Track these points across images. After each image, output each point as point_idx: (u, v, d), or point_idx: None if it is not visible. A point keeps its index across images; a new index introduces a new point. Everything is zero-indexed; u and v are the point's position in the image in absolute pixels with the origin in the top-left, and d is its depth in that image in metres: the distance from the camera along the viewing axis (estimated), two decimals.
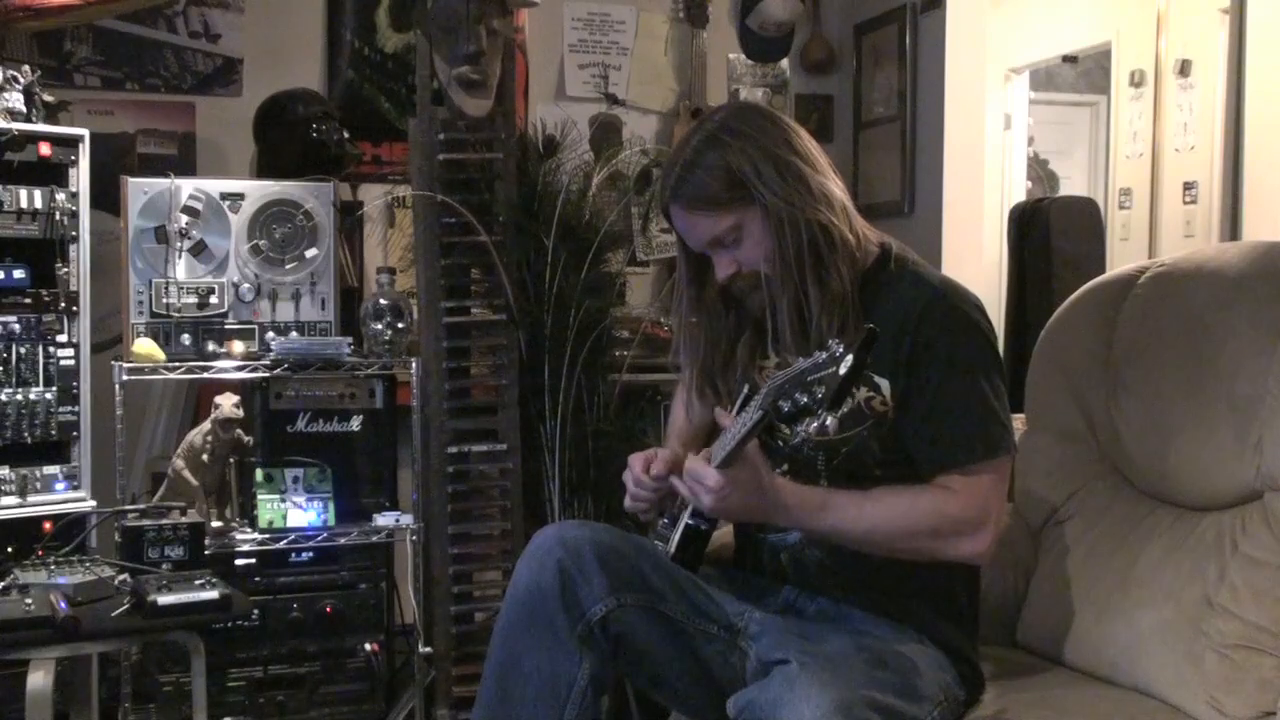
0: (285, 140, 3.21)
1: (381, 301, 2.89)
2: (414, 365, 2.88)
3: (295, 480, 2.82)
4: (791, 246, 1.64)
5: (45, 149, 2.59)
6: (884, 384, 1.64)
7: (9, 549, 2.42)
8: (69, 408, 2.62)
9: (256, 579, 2.78)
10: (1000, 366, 1.70)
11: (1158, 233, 4.59)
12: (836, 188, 1.70)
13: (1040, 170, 5.57)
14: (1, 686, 2.45)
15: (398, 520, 2.88)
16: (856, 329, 1.59)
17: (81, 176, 2.64)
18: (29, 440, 2.58)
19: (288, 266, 2.93)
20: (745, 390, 1.69)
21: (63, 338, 2.62)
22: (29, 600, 2.02)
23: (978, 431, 1.64)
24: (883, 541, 1.64)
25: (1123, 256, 4.50)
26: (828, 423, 1.37)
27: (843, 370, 1.34)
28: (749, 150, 1.65)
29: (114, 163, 3.24)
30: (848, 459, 1.66)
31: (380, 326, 2.88)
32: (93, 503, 2.61)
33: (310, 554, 2.83)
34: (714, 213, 1.67)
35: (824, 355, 1.40)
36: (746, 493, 1.57)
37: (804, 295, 1.65)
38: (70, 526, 2.45)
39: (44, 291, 2.60)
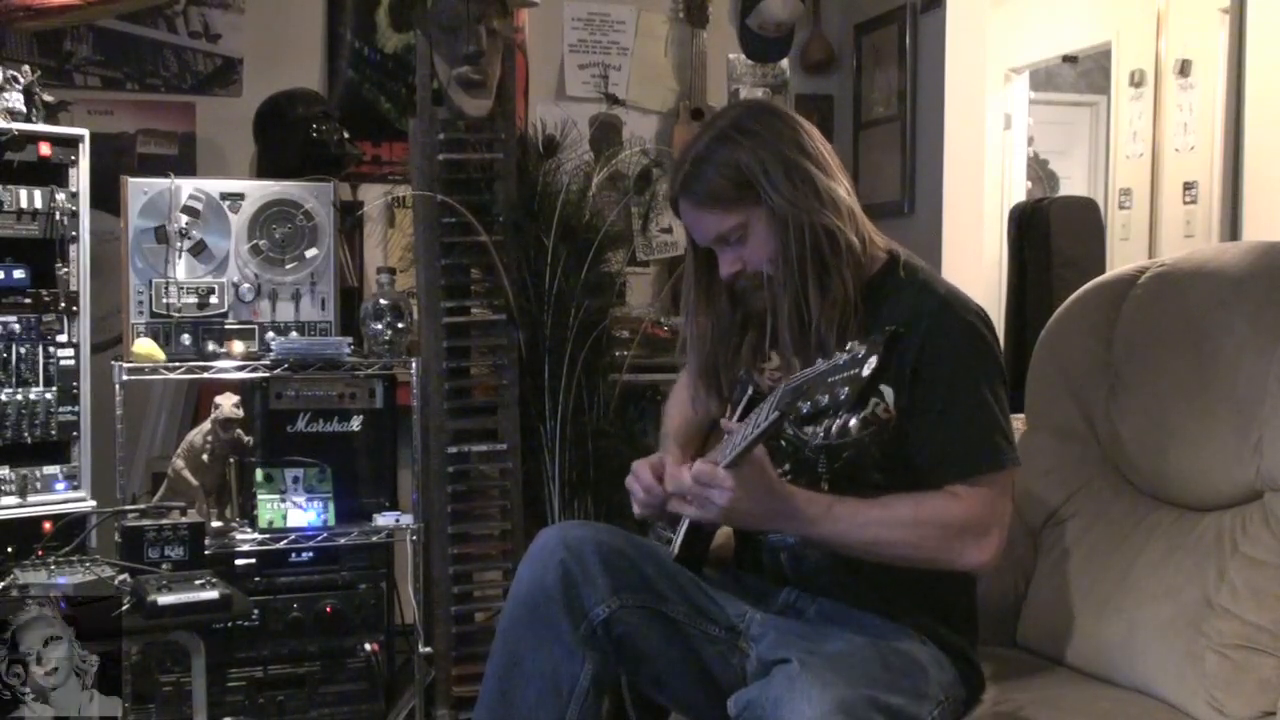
0: (285, 140, 3.21)
1: (381, 301, 2.89)
2: (414, 365, 2.88)
3: (295, 480, 2.82)
4: (795, 249, 1.63)
5: (45, 149, 2.58)
6: (887, 392, 1.63)
7: (9, 549, 2.42)
8: (69, 408, 2.62)
9: (256, 579, 2.78)
10: (1004, 377, 1.70)
11: (1158, 233, 4.59)
12: (845, 191, 1.70)
13: (1040, 170, 5.57)
14: None
15: (398, 520, 2.88)
16: (858, 334, 1.58)
17: (81, 176, 2.64)
18: (29, 440, 2.58)
19: (288, 266, 2.93)
20: (750, 392, 1.68)
21: (63, 338, 2.62)
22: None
23: (983, 443, 1.64)
24: (887, 550, 1.63)
25: (1123, 256, 4.50)
26: (850, 423, 1.36)
27: (866, 371, 1.33)
28: (759, 150, 1.65)
29: (114, 163, 3.23)
30: (849, 464, 1.66)
31: (380, 326, 2.88)
32: (93, 503, 2.61)
33: (310, 554, 2.83)
34: (720, 210, 1.68)
35: (845, 356, 1.39)
36: (755, 495, 1.55)
37: (805, 298, 1.65)
38: (70, 526, 2.44)
39: (44, 291, 2.60)
